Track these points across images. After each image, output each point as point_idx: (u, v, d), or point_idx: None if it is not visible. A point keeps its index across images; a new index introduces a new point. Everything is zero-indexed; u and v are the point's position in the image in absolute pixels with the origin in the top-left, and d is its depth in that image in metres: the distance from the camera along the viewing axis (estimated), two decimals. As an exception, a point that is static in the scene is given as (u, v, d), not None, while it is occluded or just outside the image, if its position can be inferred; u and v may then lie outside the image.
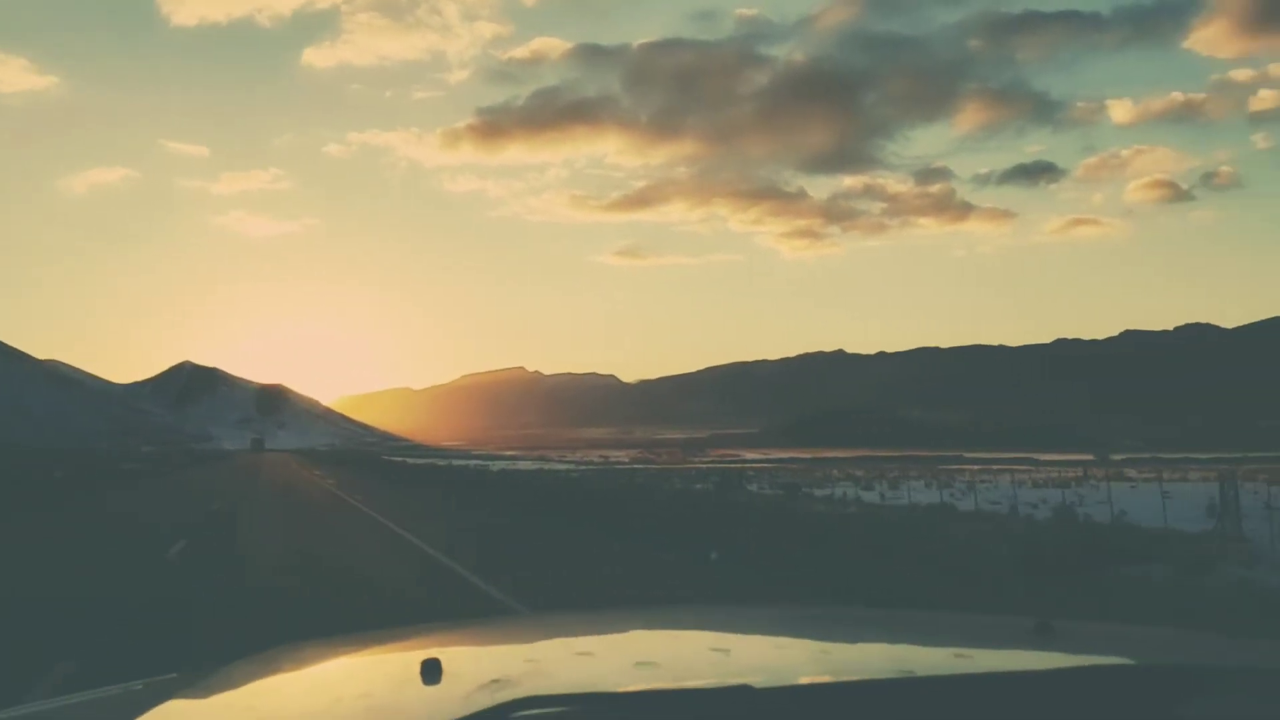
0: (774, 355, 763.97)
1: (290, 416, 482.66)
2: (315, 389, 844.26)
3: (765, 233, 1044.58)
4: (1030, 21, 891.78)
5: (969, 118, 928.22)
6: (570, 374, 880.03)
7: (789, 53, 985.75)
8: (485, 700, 1.40)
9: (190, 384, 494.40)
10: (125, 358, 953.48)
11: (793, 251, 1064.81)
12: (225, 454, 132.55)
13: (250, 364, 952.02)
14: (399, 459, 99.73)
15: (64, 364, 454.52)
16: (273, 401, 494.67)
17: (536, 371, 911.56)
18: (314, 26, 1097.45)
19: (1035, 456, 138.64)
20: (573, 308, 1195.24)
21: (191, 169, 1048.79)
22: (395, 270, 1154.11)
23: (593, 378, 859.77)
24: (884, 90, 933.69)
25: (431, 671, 1.61)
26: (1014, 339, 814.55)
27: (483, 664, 1.94)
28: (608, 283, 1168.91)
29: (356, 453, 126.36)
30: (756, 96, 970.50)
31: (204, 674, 1.98)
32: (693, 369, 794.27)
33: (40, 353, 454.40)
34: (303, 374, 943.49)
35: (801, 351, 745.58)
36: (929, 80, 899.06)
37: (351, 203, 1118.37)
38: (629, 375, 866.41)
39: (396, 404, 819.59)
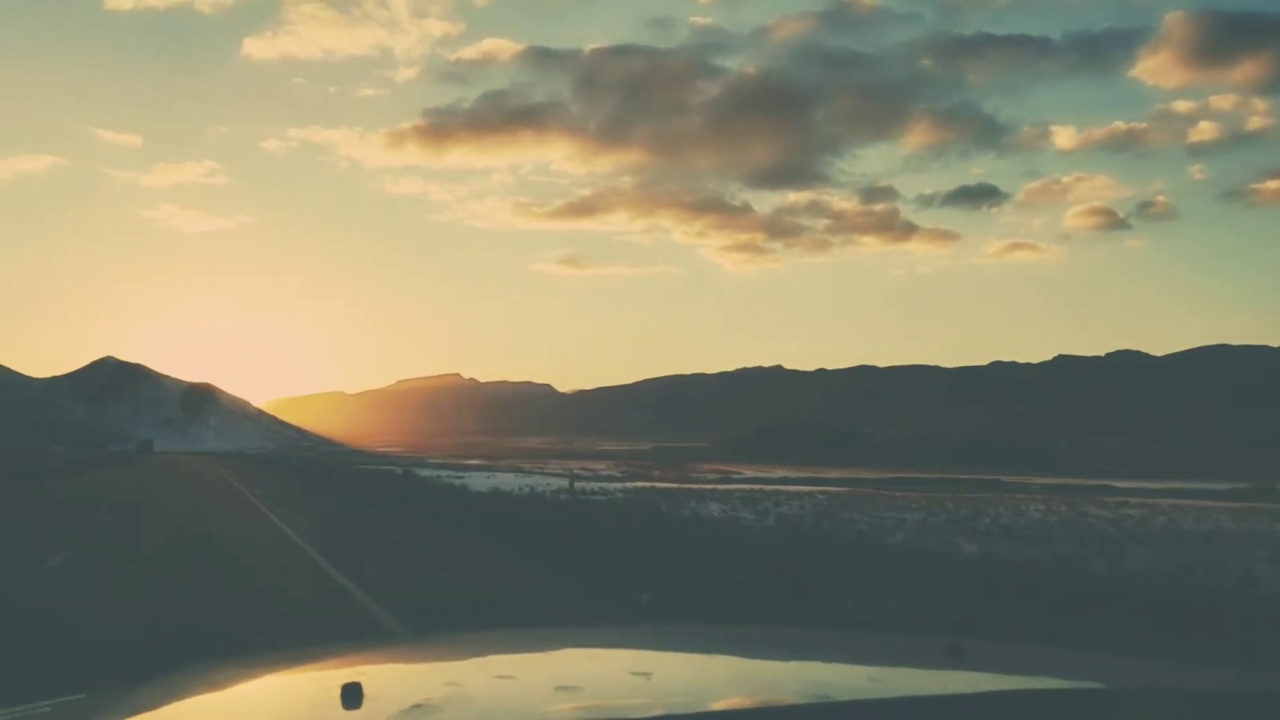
0: (712, 369, 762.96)
1: (218, 417, 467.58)
2: (246, 390, 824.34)
3: (708, 246, 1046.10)
4: (981, 44, 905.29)
5: (916, 138, 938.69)
6: (506, 382, 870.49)
7: (741, 64, 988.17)
8: None
9: (112, 380, 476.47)
10: (45, 352, 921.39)
11: (735, 265, 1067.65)
12: (133, 456, 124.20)
13: (178, 362, 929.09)
14: (369, 467, 76.07)
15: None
16: (200, 401, 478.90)
17: (472, 379, 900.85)
18: (256, 16, 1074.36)
19: (1180, 486, 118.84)
20: (511, 315, 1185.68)
21: (122, 159, 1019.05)
22: (332, 272, 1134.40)
23: (528, 386, 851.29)
24: (834, 106, 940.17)
25: (352, 696, 1.55)
26: (950, 360, 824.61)
27: (404, 688, 1.88)
28: (547, 291, 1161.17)
29: (298, 459, 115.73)
30: (706, 107, 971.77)
31: (114, 695, 1.91)
32: (629, 380, 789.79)
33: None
34: (233, 374, 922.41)
35: (740, 366, 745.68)
36: (879, 98, 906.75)
37: (289, 201, 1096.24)
38: (564, 385, 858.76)
39: (330, 408, 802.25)
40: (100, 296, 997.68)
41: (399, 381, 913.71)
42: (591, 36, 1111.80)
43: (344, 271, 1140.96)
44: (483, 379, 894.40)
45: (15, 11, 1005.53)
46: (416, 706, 1.52)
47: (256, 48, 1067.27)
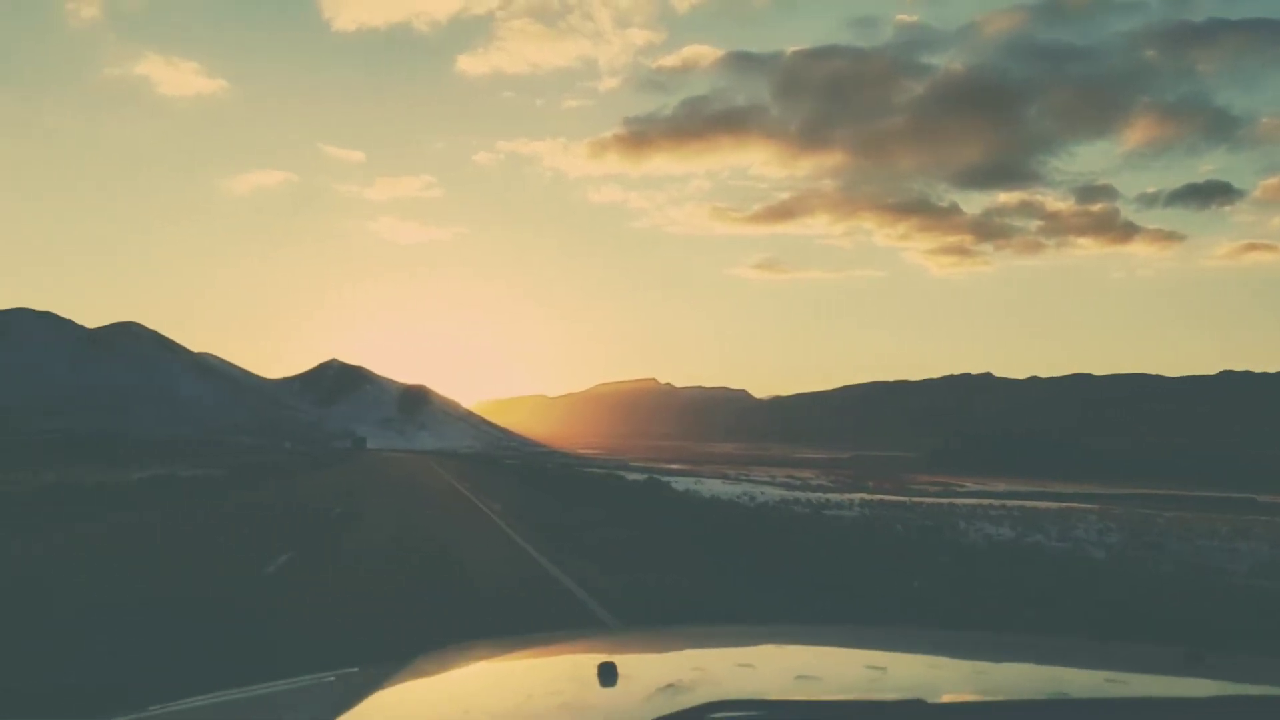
0: (916, 376, 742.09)
1: (430, 417, 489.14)
2: (456, 391, 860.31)
3: (912, 248, 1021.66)
4: (1214, 31, 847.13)
5: (1138, 133, 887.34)
6: (701, 387, 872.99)
7: (949, 61, 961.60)
8: (666, 702, 1.47)
9: (337, 382, 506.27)
10: (277, 354, 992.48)
11: (940, 269, 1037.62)
12: (353, 453, 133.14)
13: (395, 365, 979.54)
14: (591, 470, 70.61)
15: (216, 357, 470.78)
16: (415, 402, 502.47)
17: (668, 384, 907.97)
18: (469, 33, 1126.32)
19: None
20: (707, 321, 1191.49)
21: (347, 174, 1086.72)
22: (536, 279, 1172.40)
23: (723, 392, 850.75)
24: (1048, 102, 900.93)
25: (608, 674, 1.69)
26: (1174, 369, 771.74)
27: (653, 669, 2.01)
28: (744, 296, 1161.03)
29: (511, 459, 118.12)
30: (911, 106, 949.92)
31: (387, 670, 2.04)
32: (827, 387, 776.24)
33: (196, 346, 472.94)
34: (445, 376, 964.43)
35: (946, 373, 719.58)
36: (1097, 93, 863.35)
37: (497, 211, 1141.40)
38: (760, 391, 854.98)
39: (533, 410, 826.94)
40: (327, 303, 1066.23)
41: (597, 385, 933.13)
42: (793, 39, 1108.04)
43: (548, 278, 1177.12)
44: (678, 384, 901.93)
45: (253, 38, 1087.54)
46: (669, 686, 1.62)
47: (469, 64, 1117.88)
